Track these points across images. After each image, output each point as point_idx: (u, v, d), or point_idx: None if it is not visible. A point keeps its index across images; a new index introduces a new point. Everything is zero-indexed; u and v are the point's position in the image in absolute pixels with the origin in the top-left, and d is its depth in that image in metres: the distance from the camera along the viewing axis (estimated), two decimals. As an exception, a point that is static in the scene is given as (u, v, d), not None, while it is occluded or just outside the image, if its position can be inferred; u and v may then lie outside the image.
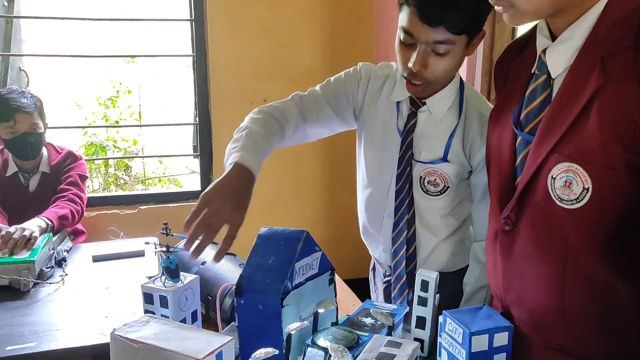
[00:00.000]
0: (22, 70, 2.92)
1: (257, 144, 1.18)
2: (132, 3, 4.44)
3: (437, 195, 1.33)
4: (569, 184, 0.83)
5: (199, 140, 2.84)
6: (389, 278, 1.45)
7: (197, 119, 2.82)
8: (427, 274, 1.15)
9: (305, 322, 1.00)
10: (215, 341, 0.91)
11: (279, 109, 1.31)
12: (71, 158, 2.30)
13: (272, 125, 1.26)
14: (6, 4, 2.79)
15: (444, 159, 1.29)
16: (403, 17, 1.16)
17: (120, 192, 4.19)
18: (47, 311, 1.53)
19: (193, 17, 2.71)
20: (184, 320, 1.14)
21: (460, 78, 1.34)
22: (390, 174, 1.35)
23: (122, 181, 4.62)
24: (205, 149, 2.83)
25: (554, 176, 0.85)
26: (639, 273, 0.82)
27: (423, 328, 1.16)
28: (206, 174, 2.87)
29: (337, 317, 1.25)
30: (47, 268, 1.75)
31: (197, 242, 1.06)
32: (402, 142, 1.31)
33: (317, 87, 1.39)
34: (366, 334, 1.09)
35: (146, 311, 1.14)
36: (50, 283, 1.68)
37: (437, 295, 1.26)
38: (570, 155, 0.83)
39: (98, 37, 4.35)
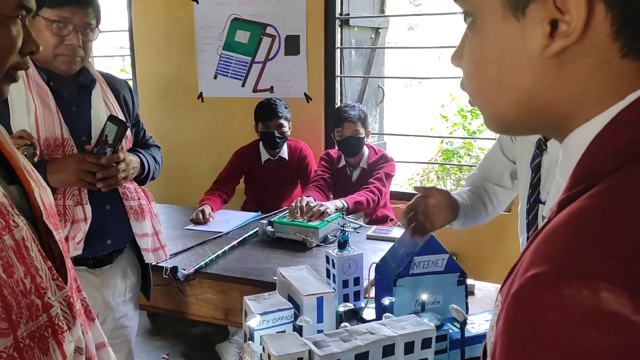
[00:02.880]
0: (380, 87, 3.73)
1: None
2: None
3: None
4: None
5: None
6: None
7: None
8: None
9: (390, 298, 1.31)
10: (322, 289, 1.34)
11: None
12: (384, 159, 2.93)
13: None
14: (373, 36, 3.63)
15: None
16: None
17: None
18: (314, 262, 2.17)
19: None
20: (346, 281, 1.57)
21: None
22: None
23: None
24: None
25: None
26: None
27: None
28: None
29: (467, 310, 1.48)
30: (332, 236, 2.41)
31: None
32: (529, 181, 1.40)
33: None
34: (456, 328, 1.31)
35: (327, 269, 1.62)
36: (326, 246, 2.33)
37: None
38: None
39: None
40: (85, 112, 1.61)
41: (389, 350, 1.05)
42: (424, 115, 5.14)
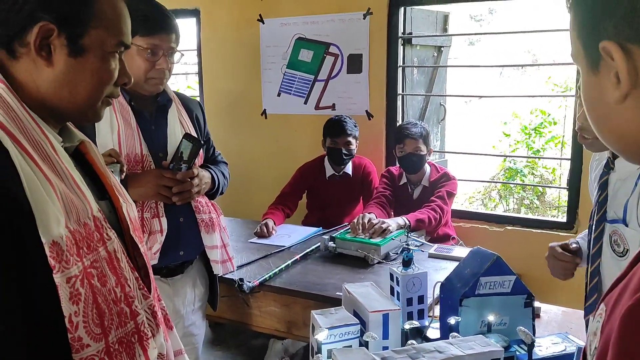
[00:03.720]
0: (442, 105, 3.71)
1: None
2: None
3: (620, 255, 1.30)
4: None
5: (570, 175, 2.99)
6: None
7: (572, 154, 2.98)
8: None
9: (456, 317, 1.31)
10: (388, 306, 1.35)
11: None
12: (445, 177, 2.91)
13: None
14: (435, 54, 3.63)
15: (623, 220, 1.28)
16: None
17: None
18: (376, 278, 2.18)
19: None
20: (410, 299, 1.57)
21: None
22: None
23: (534, 205, 4.95)
24: (573, 184, 2.96)
25: None
26: None
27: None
28: (572, 208, 2.99)
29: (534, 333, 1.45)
30: (394, 253, 2.42)
31: None
32: (596, 199, 1.37)
33: None
34: (523, 350, 1.30)
35: (391, 286, 1.63)
36: (388, 263, 2.33)
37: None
38: None
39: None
40: (163, 130, 1.71)
41: (456, 370, 1.06)
42: (486, 133, 5.06)
